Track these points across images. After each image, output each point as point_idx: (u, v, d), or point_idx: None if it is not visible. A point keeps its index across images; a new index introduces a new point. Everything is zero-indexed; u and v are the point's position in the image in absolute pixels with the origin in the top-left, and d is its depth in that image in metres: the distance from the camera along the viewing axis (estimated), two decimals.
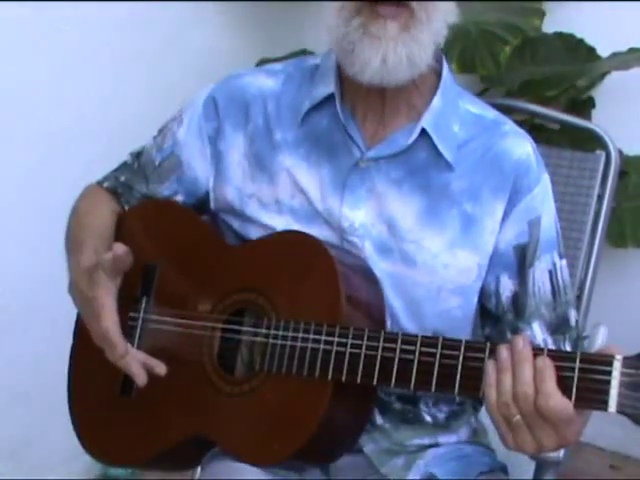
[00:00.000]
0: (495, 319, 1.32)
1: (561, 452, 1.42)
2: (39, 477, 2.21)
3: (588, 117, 2.40)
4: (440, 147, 1.25)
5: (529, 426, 1.03)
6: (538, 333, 1.28)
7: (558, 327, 1.29)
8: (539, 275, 1.28)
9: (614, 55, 2.33)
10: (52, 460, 2.27)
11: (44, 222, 2.02)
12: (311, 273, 1.22)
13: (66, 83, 2.14)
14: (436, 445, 1.35)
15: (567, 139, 2.11)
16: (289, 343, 1.19)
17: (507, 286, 1.29)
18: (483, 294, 1.31)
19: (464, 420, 1.39)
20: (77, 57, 2.16)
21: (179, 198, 1.40)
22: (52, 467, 2.28)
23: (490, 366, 1.05)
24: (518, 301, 1.29)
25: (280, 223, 1.30)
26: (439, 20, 1.19)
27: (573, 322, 1.31)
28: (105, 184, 1.45)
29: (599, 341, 1.52)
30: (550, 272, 1.29)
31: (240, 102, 1.35)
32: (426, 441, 1.35)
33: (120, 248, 1.23)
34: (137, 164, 1.44)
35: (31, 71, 2.06)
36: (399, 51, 1.16)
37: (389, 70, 1.18)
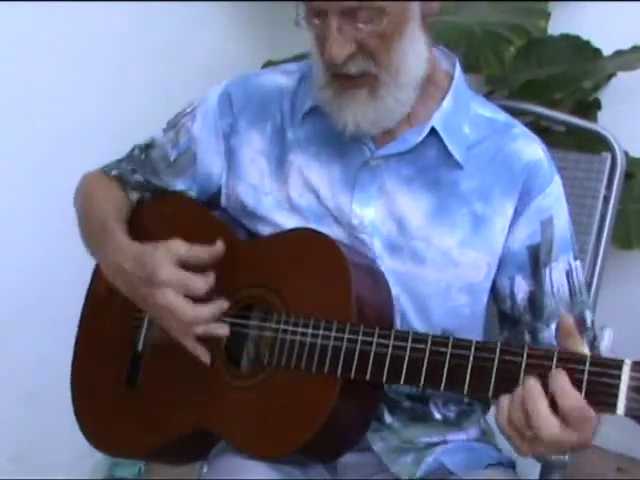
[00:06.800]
0: (512, 322, 1.32)
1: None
2: (44, 478, 2.21)
3: (594, 119, 2.39)
4: (449, 146, 1.26)
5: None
6: None
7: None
8: (557, 276, 1.28)
9: (618, 53, 2.32)
10: (57, 462, 2.27)
11: (47, 223, 2.03)
12: (323, 271, 1.22)
13: (70, 84, 2.14)
14: (444, 443, 1.35)
15: (573, 141, 2.11)
16: (299, 338, 1.20)
17: (522, 287, 1.29)
18: (498, 297, 1.32)
19: (474, 419, 1.39)
20: (81, 59, 2.16)
21: (192, 194, 1.41)
22: (57, 469, 2.27)
23: (505, 401, 1.03)
24: (535, 302, 1.29)
25: (291, 222, 1.31)
26: (408, 68, 1.21)
27: (589, 323, 1.31)
28: (113, 172, 1.45)
29: (605, 343, 1.52)
30: (567, 273, 1.29)
31: (258, 99, 1.36)
32: (435, 439, 1.35)
33: (220, 247, 1.26)
34: (144, 156, 1.44)
35: (36, 72, 2.06)
36: (369, 115, 1.22)
37: (362, 131, 1.23)
